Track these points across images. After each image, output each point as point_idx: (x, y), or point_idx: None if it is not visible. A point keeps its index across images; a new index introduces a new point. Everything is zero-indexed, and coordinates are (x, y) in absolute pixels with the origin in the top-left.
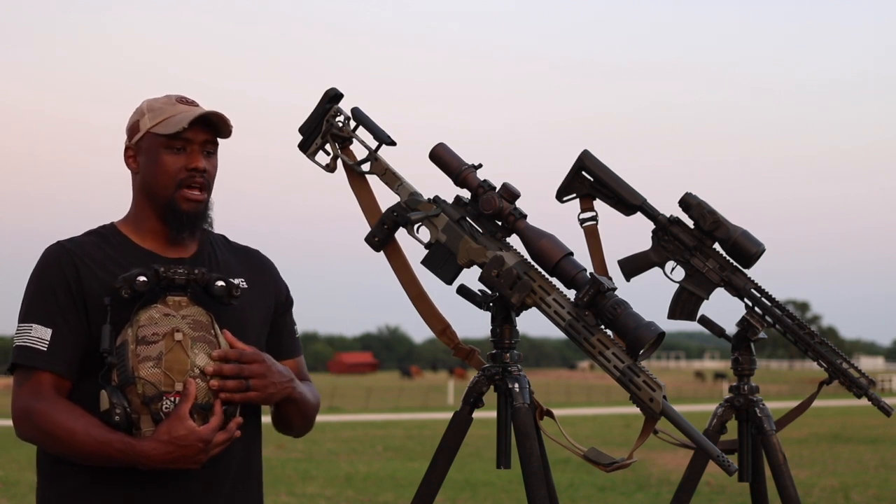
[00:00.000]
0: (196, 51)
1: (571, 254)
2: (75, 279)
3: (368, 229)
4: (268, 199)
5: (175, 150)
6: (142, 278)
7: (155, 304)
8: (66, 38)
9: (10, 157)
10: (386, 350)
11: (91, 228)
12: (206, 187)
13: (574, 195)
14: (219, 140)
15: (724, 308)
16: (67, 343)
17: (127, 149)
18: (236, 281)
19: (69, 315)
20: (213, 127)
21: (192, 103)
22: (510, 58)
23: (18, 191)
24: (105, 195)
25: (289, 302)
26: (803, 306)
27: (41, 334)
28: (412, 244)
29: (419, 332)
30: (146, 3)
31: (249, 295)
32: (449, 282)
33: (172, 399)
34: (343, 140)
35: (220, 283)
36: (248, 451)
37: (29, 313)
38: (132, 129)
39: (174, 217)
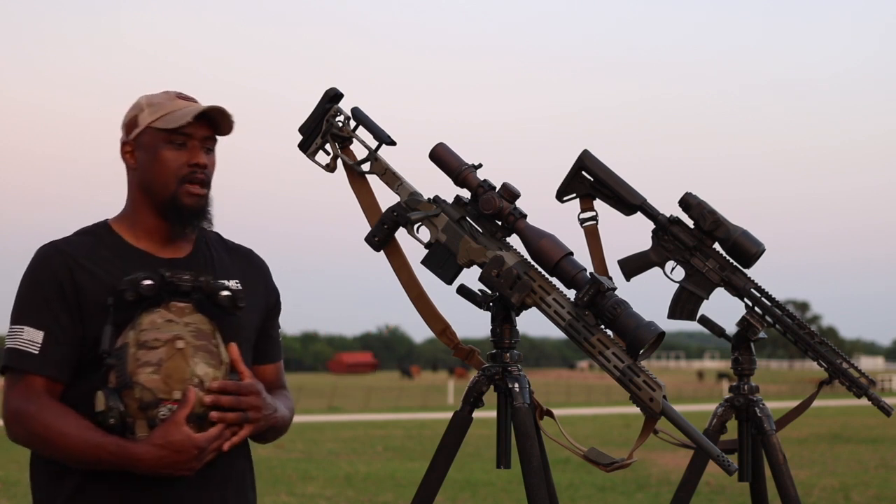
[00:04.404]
0: (196, 49)
1: (571, 254)
2: (69, 281)
3: (368, 229)
4: (268, 197)
5: (176, 145)
6: (148, 282)
7: (158, 308)
8: (79, 37)
9: (13, 155)
10: (386, 350)
11: (83, 227)
12: (207, 183)
13: (574, 195)
14: (218, 137)
15: (724, 308)
16: (60, 345)
17: (124, 144)
18: (234, 283)
19: (62, 317)
20: (214, 123)
21: (191, 99)
22: (510, 54)
23: (22, 189)
24: (109, 191)
25: (278, 307)
26: (803, 306)
27: (33, 337)
28: (412, 244)
29: (419, 332)
30: (158, 1)
31: (245, 296)
32: (449, 282)
33: (170, 406)
34: (343, 140)
35: (226, 292)
36: (235, 454)
37: (21, 315)
38: (130, 124)
39: (176, 213)
